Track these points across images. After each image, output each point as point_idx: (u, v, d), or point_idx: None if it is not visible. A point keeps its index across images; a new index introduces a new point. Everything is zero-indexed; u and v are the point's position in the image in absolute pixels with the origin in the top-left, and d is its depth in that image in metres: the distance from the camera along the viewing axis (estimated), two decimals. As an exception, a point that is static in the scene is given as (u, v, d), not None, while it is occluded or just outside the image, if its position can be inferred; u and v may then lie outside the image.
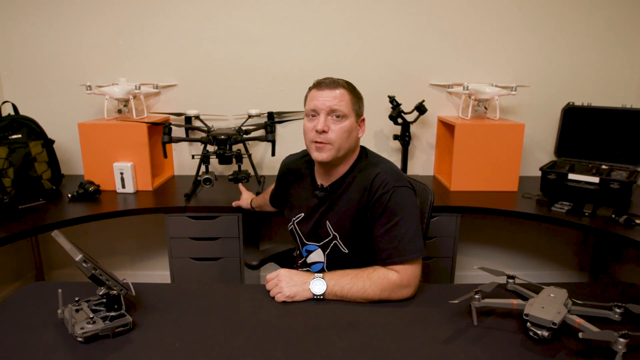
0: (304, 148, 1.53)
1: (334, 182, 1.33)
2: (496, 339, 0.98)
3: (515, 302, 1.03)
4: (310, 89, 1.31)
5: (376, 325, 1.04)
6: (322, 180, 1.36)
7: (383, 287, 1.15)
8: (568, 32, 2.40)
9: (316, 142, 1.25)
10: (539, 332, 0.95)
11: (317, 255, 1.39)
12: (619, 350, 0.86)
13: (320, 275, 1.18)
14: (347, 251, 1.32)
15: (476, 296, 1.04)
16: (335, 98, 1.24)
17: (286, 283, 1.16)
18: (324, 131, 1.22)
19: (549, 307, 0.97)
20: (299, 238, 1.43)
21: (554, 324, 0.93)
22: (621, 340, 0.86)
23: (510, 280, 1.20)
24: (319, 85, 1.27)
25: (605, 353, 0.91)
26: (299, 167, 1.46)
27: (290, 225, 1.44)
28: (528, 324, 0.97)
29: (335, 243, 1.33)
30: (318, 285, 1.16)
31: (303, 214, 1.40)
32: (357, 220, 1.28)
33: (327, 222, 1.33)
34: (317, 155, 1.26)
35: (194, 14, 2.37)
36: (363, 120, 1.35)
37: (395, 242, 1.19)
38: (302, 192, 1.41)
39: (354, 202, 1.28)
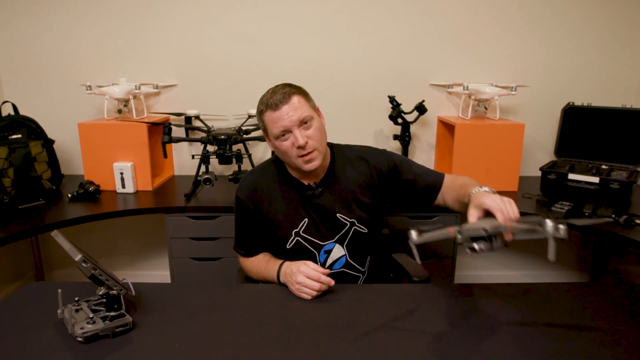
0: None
1: (323, 176, 1.35)
2: (497, 338, 0.98)
3: (452, 229, 0.99)
4: (262, 112, 1.26)
5: (376, 325, 1.04)
6: (308, 180, 1.36)
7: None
8: (568, 32, 2.40)
9: (302, 155, 1.25)
10: (475, 245, 0.93)
11: (338, 251, 1.36)
12: (549, 230, 0.85)
13: (475, 190, 1.14)
14: (366, 230, 1.36)
15: (413, 231, 1.01)
16: (296, 109, 1.23)
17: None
18: (305, 143, 1.23)
19: (481, 223, 0.97)
20: (312, 244, 1.35)
21: (485, 230, 0.92)
22: (549, 222, 0.85)
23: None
24: (273, 106, 1.23)
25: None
26: (268, 182, 1.39)
27: (293, 239, 1.35)
28: (464, 242, 0.95)
29: (354, 228, 1.35)
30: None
31: (306, 219, 1.35)
32: (367, 196, 1.36)
33: (338, 214, 1.34)
34: (309, 166, 1.27)
35: (194, 14, 2.37)
36: (318, 109, 1.35)
37: (428, 173, 1.39)
38: (289, 203, 1.36)
39: (356, 182, 1.35)
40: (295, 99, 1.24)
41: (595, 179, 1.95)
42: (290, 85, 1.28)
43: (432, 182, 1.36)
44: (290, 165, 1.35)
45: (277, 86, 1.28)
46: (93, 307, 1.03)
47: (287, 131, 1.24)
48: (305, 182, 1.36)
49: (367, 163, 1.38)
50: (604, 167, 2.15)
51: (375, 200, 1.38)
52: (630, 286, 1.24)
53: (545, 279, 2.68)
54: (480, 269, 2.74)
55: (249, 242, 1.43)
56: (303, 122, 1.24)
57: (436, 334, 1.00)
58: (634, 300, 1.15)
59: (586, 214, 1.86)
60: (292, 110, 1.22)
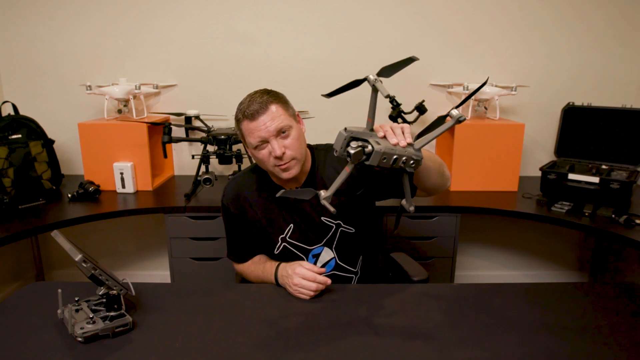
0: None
1: (305, 180, 1.33)
2: (497, 338, 0.98)
3: (348, 167, 0.98)
4: (239, 120, 1.23)
5: (376, 325, 1.04)
6: (290, 186, 1.34)
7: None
8: (568, 32, 2.40)
9: (279, 165, 1.23)
10: (352, 144, 0.95)
11: (326, 254, 1.36)
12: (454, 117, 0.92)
13: None
14: (353, 230, 1.35)
15: (322, 191, 1.00)
16: (273, 119, 1.19)
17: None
18: (282, 153, 1.20)
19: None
20: (299, 249, 1.36)
21: (346, 129, 0.96)
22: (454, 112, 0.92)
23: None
24: (251, 116, 1.19)
25: None
26: (250, 188, 1.37)
27: (280, 245, 1.36)
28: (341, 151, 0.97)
29: (341, 230, 1.34)
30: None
31: (292, 225, 1.34)
32: (349, 194, 1.33)
33: (322, 217, 1.33)
34: (286, 175, 1.24)
35: (194, 14, 2.37)
36: (298, 115, 1.31)
37: None
38: (273, 209, 1.35)
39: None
40: (273, 108, 1.20)
41: (595, 179, 1.95)
42: (268, 93, 1.23)
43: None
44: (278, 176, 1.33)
45: (255, 93, 1.23)
46: (93, 307, 1.03)
47: (264, 141, 1.20)
48: (287, 188, 1.34)
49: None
50: (604, 167, 2.15)
51: (359, 195, 1.34)
52: (630, 286, 1.24)
53: (545, 279, 2.68)
54: (480, 269, 2.74)
55: (241, 248, 1.43)
56: (281, 132, 1.20)
57: (436, 334, 1.00)
58: (634, 300, 1.15)
59: (586, 214, 1.86)
60: (269, 120, 1.18)
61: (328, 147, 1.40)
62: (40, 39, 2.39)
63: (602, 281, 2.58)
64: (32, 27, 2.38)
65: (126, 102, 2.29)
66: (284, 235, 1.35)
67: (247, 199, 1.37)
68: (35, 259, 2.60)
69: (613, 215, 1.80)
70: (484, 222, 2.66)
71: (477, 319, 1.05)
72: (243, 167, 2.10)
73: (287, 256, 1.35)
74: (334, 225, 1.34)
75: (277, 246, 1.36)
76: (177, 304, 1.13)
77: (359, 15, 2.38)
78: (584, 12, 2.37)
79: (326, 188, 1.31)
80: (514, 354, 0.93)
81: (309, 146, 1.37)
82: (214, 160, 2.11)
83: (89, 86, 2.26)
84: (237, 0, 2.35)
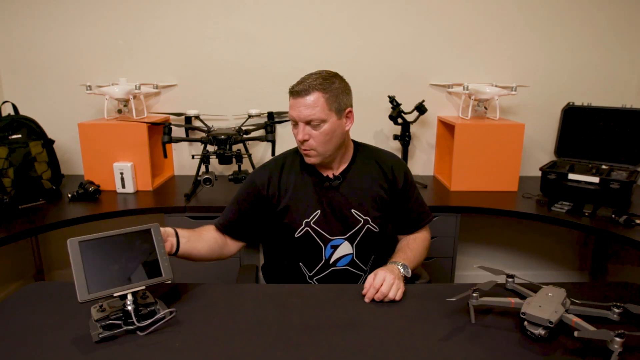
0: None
1: (342, 171, 1.36)
2: (494, 337, 0.98)
3: (513, 300, 1.03)
4: (289, 92, 1.28)
5: (376, 325, 1.04)
6: (328, 172, 1.36)
7: (427, 246, 1.46)
8: (568, 32, 2.40)
9: (302, 147, 1.30)
10: (535, 331, 0.95)
11: (344, 249, 1.36)
12: (614, 350, 0.86)
13: (394, 261, 1.28)
14: (378, 230, 1.37)
15: (474, 294, 1.04)
16: (307, 107, 1.22)
17: (393, 279, 1.16)
18: (305, 140, 1.26)
19: (546, 306, 0.97)
20: (320, 237, 1.34)
21: (550, 322, 0.93)
22: (617, 339, 0.86)
23: (510, 280, 1.20)
24: (294, 93, 1.25)
25: (601, 352, 0.91)
26: (288, 168, 1.38)
27: (303, 229, 1.33)
28: (525, 322, 0.97)
29: (368, 227, 1.35)
30: (405, 269, 1.25)
31: (319, 211, 1.33)
32: (382, 199, 1.38)
33: (353, 210, 1.34)
34: (306, 160, 1.32)
35: (194, 14, 2.37)
36: (350, 112, 1.31)
37: (422, 207, 1.47)
38: (305, 191, 1.34)
39: (373, 183, 1.36)
40: (313, 97, 1.22)
41: (595, 179, 1.95)
42: (323, 78, 1.25)
43: (417, 217, 1.46)
44: None
45: (314, 73, 1.28)
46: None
47: (295, 121, 1.27)
48: (324, 174, 1.36)
49: (391, 170, 1.39)
50: (604, 167, 2.15)
51: (387, 204, 1.40)
52: (630, 286, 1.24)
53: (545, 279, 2.68)
54: (481, 269, 2.74)
55: (235, 222, 1.38)
56: (311, 122, 1.24)
57: (436, 334, 1.00)
58: (634, 300, 1.15)
59: (586, 214, 1.86)
60: (303, 106, 1.23)
61: (372, 148, 1.45)
62: (40, 39, 2.39)
63: (602, 281, 2.58)
64: (32, 27, 2.38)
65: (126, 102, 2.29)
66: (308, 220, 1.33)
67: (282, 178, 1.36)
68: (35, 259, 2.60)
69: (613, 215, 1.80)
70: (484, 222, 2.66)
71: (477, 319, 1.05)
72: (243, 167, 2.10)
73: (307, 241, 1.34)
74: (362, 220, 1.35)
75: (299, 229, 1.34)
76: (177, 304, 1.13)
77: (359, 15, 2.38)
78: (584, 12, 2.38)
79: (360, 183, 1.36)
80: (514, 354, 0.93)
81: (355, 142, 1.42)
82: (214, 160, 2.11)
83: (89, 86, 2.26)
84: (237, 0, 2.35)
